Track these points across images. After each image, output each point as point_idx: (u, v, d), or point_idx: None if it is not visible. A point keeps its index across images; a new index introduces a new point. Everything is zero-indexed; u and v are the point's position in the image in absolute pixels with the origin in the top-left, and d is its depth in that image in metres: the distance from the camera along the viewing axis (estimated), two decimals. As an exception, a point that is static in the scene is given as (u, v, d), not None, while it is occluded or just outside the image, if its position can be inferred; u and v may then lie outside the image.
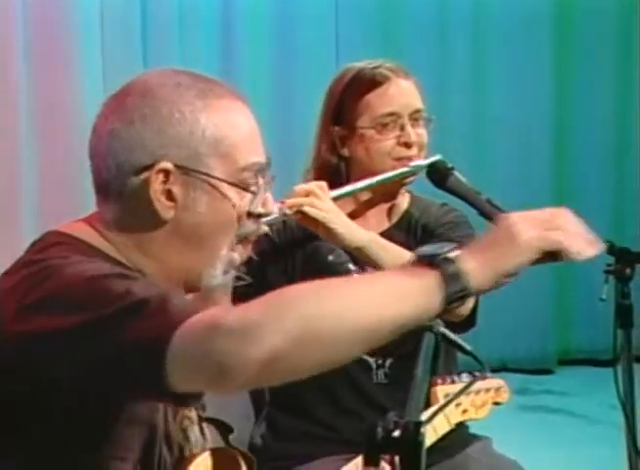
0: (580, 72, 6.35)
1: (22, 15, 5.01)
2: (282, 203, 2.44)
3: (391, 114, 2.65)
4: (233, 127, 1.75)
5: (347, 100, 2.67)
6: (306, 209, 2.48)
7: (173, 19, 5.49)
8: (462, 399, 2.50)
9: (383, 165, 2.65)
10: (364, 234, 2.54)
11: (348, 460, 2.15)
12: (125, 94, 1.76)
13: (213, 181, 1.73)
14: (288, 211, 2.46)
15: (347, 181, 2.68)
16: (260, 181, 1.78)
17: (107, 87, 5.17)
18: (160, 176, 1.71)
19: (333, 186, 2.69)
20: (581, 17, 6.33)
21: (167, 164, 1.71)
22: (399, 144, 2.66)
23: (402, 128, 2.66)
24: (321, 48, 5.77)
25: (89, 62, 5.17)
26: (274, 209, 1.85)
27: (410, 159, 2.66)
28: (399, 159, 2.66)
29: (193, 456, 1.78)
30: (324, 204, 2.52)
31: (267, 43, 5.77)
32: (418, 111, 2.68)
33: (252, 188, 1.76)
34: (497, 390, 2.58)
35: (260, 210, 1.79)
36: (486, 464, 2.66)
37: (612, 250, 2.66)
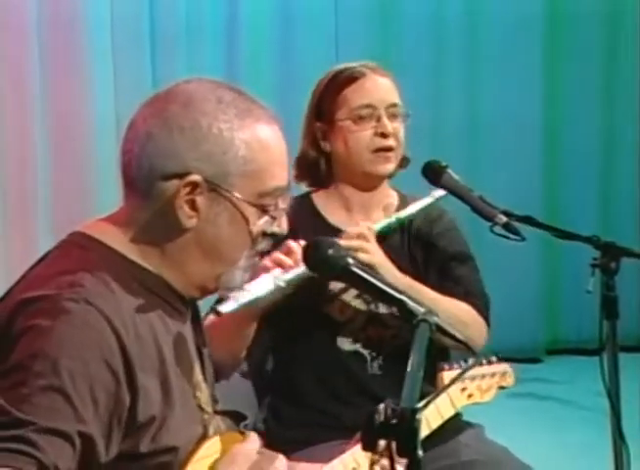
0: (569, 78, 6.35)
1: (36, 28, 5.00)
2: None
3: (367, 105, 2.65)
4: (264, 151, 1.75)
5: (327, 96, 2.69)
6: (360, 255, 2.46)
7: (180, 25, 5.47)
8: (468, 383, 2.48)
9: (360, 158, 2.66)
10: (405, 280, 2.54)
11: (346, 445, 2.15)
12: (168, 101, 1.75)
13: (236, 201, 1.74)
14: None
15: (328, 176, 2.70)
16: (280, 204, 1.79)
17: (117, 94, 5.16)
18: (188, 188, 1.71)
19: (317, 182, 2.70)
20: (570, 22, 6.33)
21: (197, 178, 1.71)
22: (376, 135, 2.65)
23: (378, 119, 2.65)
24: (321, 49, 5.75)
25: (100, 70, 5.16)
26: (285, 231, 1.84)
27: (386, 150, 2.65)
28: (377, 150, 2.65)
29: (203, 440, 1.78)
30: (372, 246, 2.54)
31: (269, 44, 5.76)
32: (394, 105, 2.68)
33: (271, 211, 1.78)
34: (503, 374, 2.56)
35: (276, 229, 1.81)
36: (478, 450, 2.66)
37: (598, 244, 2.67)
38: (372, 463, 1.72)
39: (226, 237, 1.76)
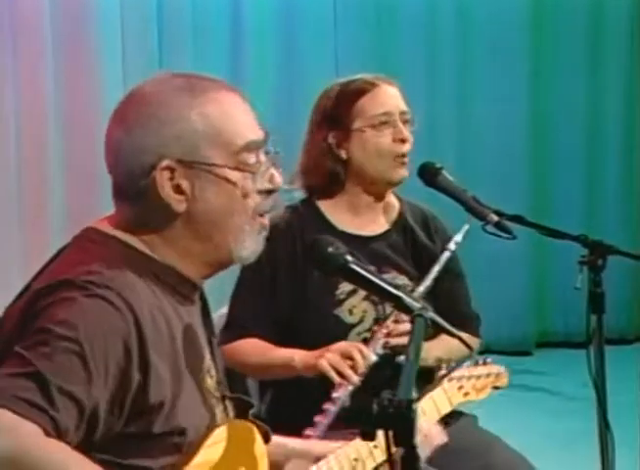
0: (555, 84, 6.35)
1: (50, 32, 4.99)
2: (375, 342, 2.52)
3: (385, 113, 2.66)
4: (224, 115, 1.75)
5: (341, 107, 2.67)
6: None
7: (187, 26, 5.46)
8: (464, 382, 2.49)
9: (382, 164, 2.66)
10: (432, 354, 2.54)
11: (346, 435, 2.15)
12: (125, 105, 1.77)
13: (214, 169, 1.73)
14: (382, 352, 2.52)
15: (345, 184, 2.69)
16: (262, 157, 1.77)
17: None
18: (166, 173, 1.71)
19: (327, 189, 2.69)
20: (555, 31, 6.33)
21: (169, 161, 1.71)
22: (395, 141, 2.66)
23: (395, 126, 2.66)
24: (321, 50, 5.76)
25: (110, 71, 5.15)
26: (279, 183, 1.82)
27: (404, 155, 2.66)
28: (395, 156, 2.66)
29: (211, 429, 1.78)
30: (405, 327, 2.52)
31: (272, 45, 5.74)
32: (405, 112, 2.70)
33: (255, 168, 1.75)
34: (497, 375, 2.57)
35: (268, 185, 1.78)
36: (471, 438, 2.66)
37: (585, 242, 2.67)
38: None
39: (219, 208, 1.74)
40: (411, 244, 2.72)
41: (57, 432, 1.55)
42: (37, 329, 1.59)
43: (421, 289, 2.60)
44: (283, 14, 5.75)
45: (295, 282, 2.64)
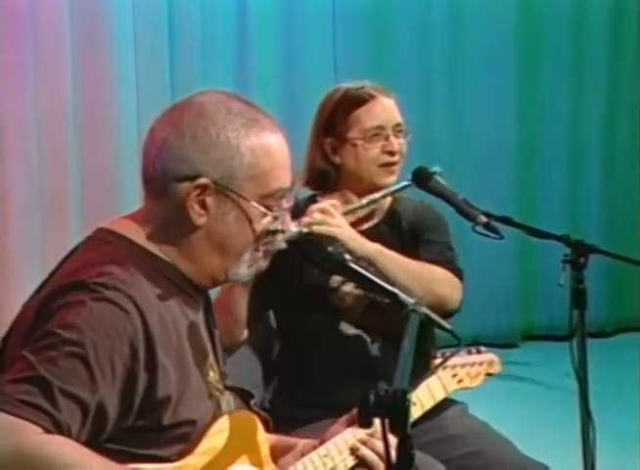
0: (540, 92, 6.34)
1: (70, 40, 4.98)
2: (298, 222, 2.43)
3: (379, 127, 2.66)
4: (267, 157, 1.75)
5: (338, 115, 2.68)
6: (316, 228, 2.46)
7: (196, 38, 5.45)
8: (458, 370, 2.49)
9: (369, 171, 2.67)
10: (370, 246, 2.54)
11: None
12: (183, 111, 1.76)
13: (242, 201, 1.74)
14: (304, 230, 2.44)
15: (338, 184, 2.68)
16: (283, 204, 1.79)
17: (140, 101, 5.14)
18: (199, 189, 1.72)
19: (325, 189, 2.70)
20: (541, 42, 6.33)
21: (207, 181, 1.72)
22: (384, 152, 2.67)
23: (387, 139, 2.67)
24: (321, 59, 5.75)
25: (124, 83, 5.14)
26: (291, 227, 1.86)
27: (392, 165, 2.67)
28: (383, 165, 2.66)
29: (215, 419, 1.78)
30: (335, 220, 2.52)
31: (275, 48, 5.73)
32: (399, 124, 2.70)
33: (275, 211, 1.77)
34: (490, 362, 2.57)
35: (279, 227, 1.81)
36: (462, 425, 2.66)
37: (568, 242, 2.67)
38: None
39: (232, 233, 1.75)
40: (398, 236, 2.72)
41: (59, 431, 1.54)
42: (46, 332, 1.59)
43: None
44: (285, 20, 5.74)
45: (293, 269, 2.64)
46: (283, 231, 1.82)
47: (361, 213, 2.72)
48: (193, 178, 1.72)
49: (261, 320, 2.67)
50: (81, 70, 5.02)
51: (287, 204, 1.81)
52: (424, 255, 2.63)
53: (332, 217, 2.51)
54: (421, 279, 2.53)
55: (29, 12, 4.84)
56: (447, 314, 2.57)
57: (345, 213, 2.58)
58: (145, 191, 1.79)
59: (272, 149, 1.77)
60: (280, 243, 1.85)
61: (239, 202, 1.74)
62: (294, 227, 2.20)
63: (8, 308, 4.40)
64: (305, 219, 2.46)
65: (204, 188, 1.72)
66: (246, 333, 2.56)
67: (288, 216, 1.83)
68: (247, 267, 1.80)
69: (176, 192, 1.73)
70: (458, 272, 2.67)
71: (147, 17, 5.24)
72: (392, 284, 1.92)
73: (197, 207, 1.73)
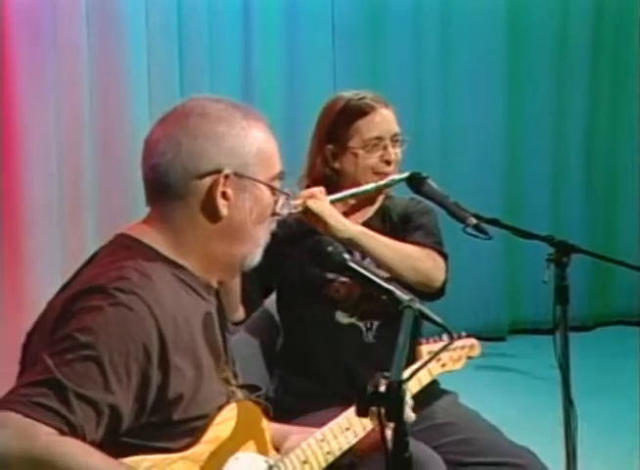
0: (526, 100, 6.34)
1: (87, 56, 4.98)
2: (289, 203, 2.43)
3: (377, 137, 2.67)
4: (268, 143, 1.79)
5: (340, 125, 2.68)
6: (309, 203, 2.48)
7: (203, 25, 5.43)
8: (442, 355, 2.49)
9: (366, 177, 2.68)
10: (354, 227, 2.56)
11: (343, 411, 2.14)
12: (185, 114, 1.76)
13: (257, 186, 1.76)
14: (294, 210, 2.46)
15: (337, 188, 2.69)
16: (280, 187, 1.82)
17: (152, 110, 5.13)
18: (222, 180, 1.73)
19: (326, 192, 2.71)
20: (526, 54, 6.32)
21: (229, 171, 1.73)
22: (381, 161, 2.67)
23: (385, 148, 2.67)
24: (321, 68, 5.71)
25: (137, 94, 5.12)
26: (286, 213, 1.87)
27: (387, 174, 2.68)
28: (379, 173, 2.67)
29: (220, 409, 1.78)
30: (322, 203, 2.53)
31: (279, 53, 5.69)
32: (396, 134, 2.70)
33: (280, 192, 1.81)
34: (470, 346, 2.57)
35: (282, 211, 1.83)
36: (452, 414, 2.66)
37: (552, 242, 2.67)
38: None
39: (252, 219, 1.77)
40: (389, 227, 2.72)
41: (73, 432, 1.54)
42: (64, 335, 1.59)
43: None
44: (287, 26, 5.72)
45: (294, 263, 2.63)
46: (281, 215, 1.84)
47: (355, 208, 2.72)
48: (215, 172, 1.73)
49: (259, 305, 2.67)
50: (97, 82, 5.00)
51: (281, 187, 1.83)
52: (411, 239, 2.64)
53: (319, 200, 2.54)
54: (404, 257, 2.55)
55: (50, 24, 4.81)
56: (433, 294, 2.57)
57: (332, 202, 2.59)
58: (159, 201, 1.76)
59: (269, 135, 1.80)
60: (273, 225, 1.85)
61: (254, 187, 1.75)
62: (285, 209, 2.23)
63: (31, 306, 4.39)
64: (296, 202, 2.48)
65: (225, 179, 1.73)
66: (241, 313, 2.56)
67: (283, 200, 1.84)
68: (259, 252, 1.82)
69: (199, 188, 1.73)
70: (442, 254, 2.67)
71: (159, 30, 5.21)
72: (388, 281, 1.91)
73: (220, 198, 1.74)
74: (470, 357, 2.57)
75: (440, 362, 2.49)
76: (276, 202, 1.80)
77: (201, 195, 1.73)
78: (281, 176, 1.81)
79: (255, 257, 1.81)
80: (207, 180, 1.73)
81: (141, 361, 1.61)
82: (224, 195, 1.73)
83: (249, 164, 1.75)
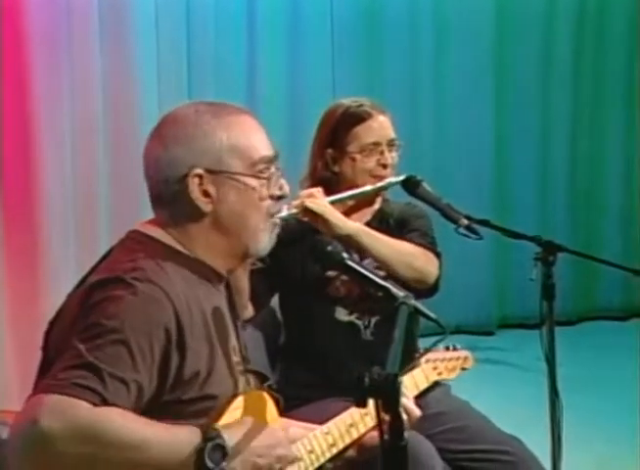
0: (513, 105, 6.33)
1: (100, 61, 4.96)
2: (289, 203, 2.45)
3: (374, 143, 2.67)
4: (242, 133, 1.78)
5: (339, 130, 2.69)
6: (308, 202, 2.48)
7: (210, 28, 5.42)
8: (438, 364, 2.52)
9: (364, 180, 2.68)
10: (353, 225, 2.56)
11: (342, 403, 2.15)
12: (160, 126, 1.79)
13: (236, 176, 1.76)
14: (294, 210, 2.47)
15: (337, 190, 2.69)
16: (273, 169, 1.80)
17: (161, 111, 5.09)
18: (196, 180, 1.74)
19: (326, 194, 2.71)
20: (512, 66, 6.32)
21: (199, 170, 1.73)
22: (378, 165, 2.68)
23: (382, 153, 2.68)
24: (321, 73, 5.69)
25: (147, 105, 5.09)
26: (287, 191, 1.84)
27: (383, 177, 2.68)
28: (376, 176, 2.67)
29: (234, 397, 1.78)
30: (321, 201, 2.53)
31: (280, 48, 5.67)
32: (392, 139, 2.71)
33: (266, 175, 1.78)
34: (465, 358, 2.61)
35: (278, 192, 1.81)
36: (445, 404, 2.66)
37: (539, 242, 2.67)
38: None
39: (240, 209, 1.76)
40: (386, 229, 2.72)
41: (106, 406, 1.57)
42: (92, 323, 1.61)
43: None
44: (289, 34, 5.72)
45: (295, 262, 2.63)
46: (283, 196, 1.82)
47: (353, 210, 2.72)
48: (188, 174, 1.73)
49: (267, 303, 2.67)
50: (110, 85, 4.98)
51: (276, 169, 1.81)
52: (407, 239, 2.64)
53: (318, 199, 2.54)
54: (401, 254, 2.56)
55: (65, 30, 4.78)
56: (428, 291, 2.58)
57: (331, 203, 2.59)
58: (158, 208, 1.80)
59: (244, 126, 1.79)
60: (282, 209, 1.85)
61: (234, 178, 1.75)
62: (285, 210, 2.23)
63: (49, 298, 4.39)
64: (295, 202, 2.48)
65: (200, 177, 1.73)
66: (250, 310, 2.56)
67: (282, 180, 1.83)
68: (267, 237, 1.82)
69: (180, 192, 1.74)
70: (436, 253, 2.68)
71: (167, 15, 5.19)
72: (385, 278, 1.91)
73: (201, 196, 1.74)
74: (464, 369, 2.60)
75: (437, 371, 2.53)
76: (265, 185, 1.78)
77: (184, 197, 1.74)
78: (270, 159, 1.80)
79: (260, 243, 1.81)
80: (184, 183, 1.74)
81: (162, 343, 1.64)
82: (206, 193, 1.74)
83: (222, 158, 1.75)
